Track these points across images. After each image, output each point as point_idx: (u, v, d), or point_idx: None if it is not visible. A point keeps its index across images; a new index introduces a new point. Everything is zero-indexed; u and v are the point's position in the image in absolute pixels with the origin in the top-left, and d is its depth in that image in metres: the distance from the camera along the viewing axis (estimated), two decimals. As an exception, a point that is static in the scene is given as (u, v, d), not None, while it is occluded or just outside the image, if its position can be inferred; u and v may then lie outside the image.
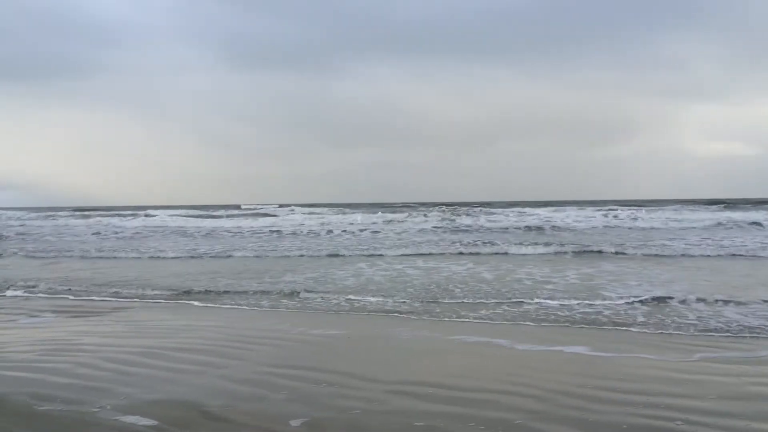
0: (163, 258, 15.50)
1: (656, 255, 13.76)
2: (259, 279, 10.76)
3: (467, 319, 7.02)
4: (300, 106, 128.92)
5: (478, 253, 14.95)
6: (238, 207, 50.71)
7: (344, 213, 34.02)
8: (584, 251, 14.72)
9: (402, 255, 14.62)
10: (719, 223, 22.64)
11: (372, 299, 8.44)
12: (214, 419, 3.74)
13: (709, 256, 13.60)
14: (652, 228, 22.11)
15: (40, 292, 9.72)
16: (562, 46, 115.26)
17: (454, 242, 17.41)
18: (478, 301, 8.15)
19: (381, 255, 14.70)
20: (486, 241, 17.63)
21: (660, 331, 6.31)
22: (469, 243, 16.99)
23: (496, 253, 14.92)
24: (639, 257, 13.58)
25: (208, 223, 28.08)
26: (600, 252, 14.54)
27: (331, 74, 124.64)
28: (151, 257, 15.69)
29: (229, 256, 15.35)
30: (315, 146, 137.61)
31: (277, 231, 23.52)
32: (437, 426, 3.59)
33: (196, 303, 8.49)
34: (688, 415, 3.71)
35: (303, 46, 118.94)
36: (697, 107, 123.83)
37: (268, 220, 29.18)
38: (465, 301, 8.18)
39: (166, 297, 9.09)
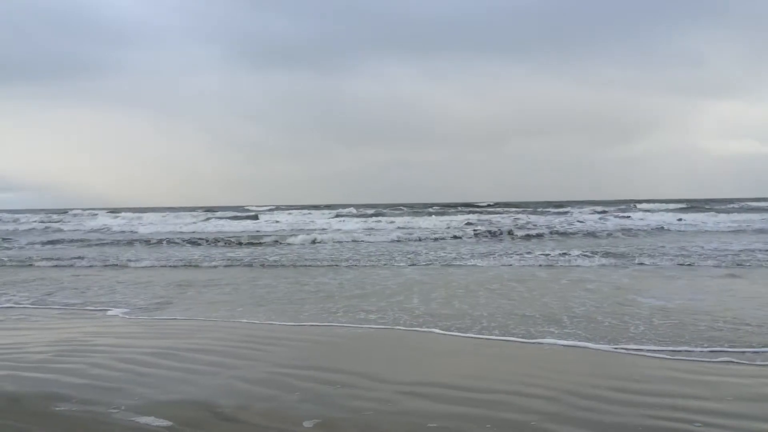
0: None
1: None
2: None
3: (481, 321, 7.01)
4: (312, 105, 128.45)
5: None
6: (241, 208, 50.46)
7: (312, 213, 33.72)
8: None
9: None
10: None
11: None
12: (228, 420, 3.75)
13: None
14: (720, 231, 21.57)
15: None
16: (577, 43, 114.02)
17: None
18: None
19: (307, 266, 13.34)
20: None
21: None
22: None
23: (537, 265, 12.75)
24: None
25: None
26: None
27: (343, 73, 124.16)
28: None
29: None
30: (327, 146, 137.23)
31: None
32: (450, 427, 3.57)
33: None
34: (706, 417, 3.67)
35: (315, 44, 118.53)
36: (714, 105, 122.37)
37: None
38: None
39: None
